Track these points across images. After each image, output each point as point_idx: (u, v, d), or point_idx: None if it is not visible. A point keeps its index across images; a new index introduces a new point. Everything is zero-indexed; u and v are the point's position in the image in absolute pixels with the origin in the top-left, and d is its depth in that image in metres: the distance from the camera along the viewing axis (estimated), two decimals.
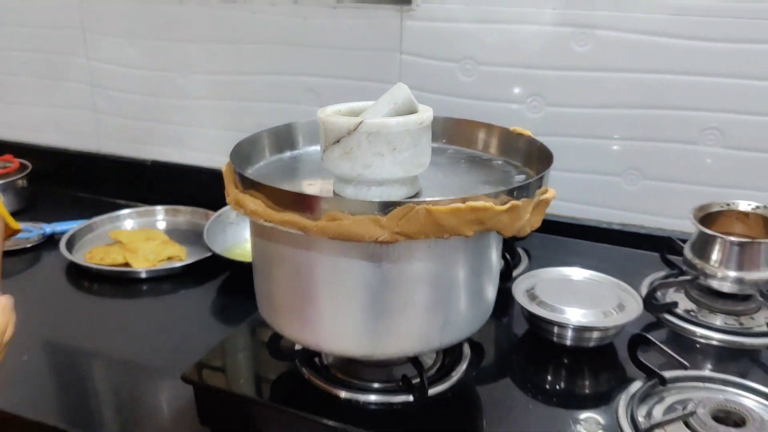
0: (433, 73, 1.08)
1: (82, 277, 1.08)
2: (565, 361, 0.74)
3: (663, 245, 0.94)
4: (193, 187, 1.30)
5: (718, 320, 0.80)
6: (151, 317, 0.96)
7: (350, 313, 0.58)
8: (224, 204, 1.07)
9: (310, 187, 0.64)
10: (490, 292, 0.65)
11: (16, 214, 1.27)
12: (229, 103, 1.23)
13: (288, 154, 0.73)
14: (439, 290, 0.59)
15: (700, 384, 0.69)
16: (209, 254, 1.06)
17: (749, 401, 0.66)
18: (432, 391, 0.66)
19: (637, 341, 0.69)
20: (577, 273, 0.81)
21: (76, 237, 1.16)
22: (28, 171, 1.33)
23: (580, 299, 0.75)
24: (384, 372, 0.68)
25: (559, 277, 0.80)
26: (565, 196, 1.07)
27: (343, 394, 0.66)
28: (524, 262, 0.95)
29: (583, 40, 0.98)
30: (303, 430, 0.64)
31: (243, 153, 0.66)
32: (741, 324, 0.80)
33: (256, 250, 0.64)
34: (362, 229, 0.52)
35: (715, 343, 0.78)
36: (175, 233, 1.20)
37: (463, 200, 0.53)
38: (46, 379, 0.81)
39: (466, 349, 0.73)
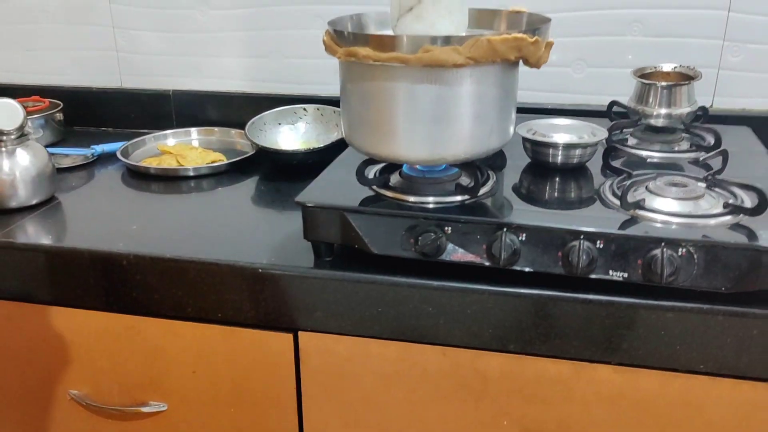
0: None
1: (139, 180, 1.28)
2: (558, 177, 1.04)
3: (609, 107, 1.25)
4: (213, 111, 1.52)
5: (656, 147, 1.12)
6: (211, 208, 1.16)
7: (428, 126, 0.86)
8: (242, 123, 1.31)
9: None
10: (513, 114, 0.94)
11: (58, 144, 1.46)
12: (243, 33, 1.45)
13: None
14: (487, 105, 0.87)
15: (655, 173, 1.00)
16: (249, 154, 1.30)
17: (689, 178, 0.98)
18: (481, 192, 0.94)
19: (609, 150, 1.00)
20: (559, 120, 1.11)
21: (127, 151, 1.36)
22: (61, 107, 1.50)
23: (564, 132, 1.06)
24: (440, 187, 0.96)
25: (548, 123, 1.10)
26: (526, 85, 1.37)
27: (412, 198, 0.93)
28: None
29: None
30: (394, 225, 0.90)
31: (336, 25, 0.91)
32: (672, 149, 1.12)
33: (355, 92, 0.89)
34: (447, 56, 0.79)
35: (656, 159, 1.10)
36: (209, 149, 1.42)
37: (509, 32, 0.81)
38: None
39: (492, 174, 1.01)
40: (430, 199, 0.93)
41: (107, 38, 1.52)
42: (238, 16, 1.44)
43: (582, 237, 0.85)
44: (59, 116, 1.48)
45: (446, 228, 0.88)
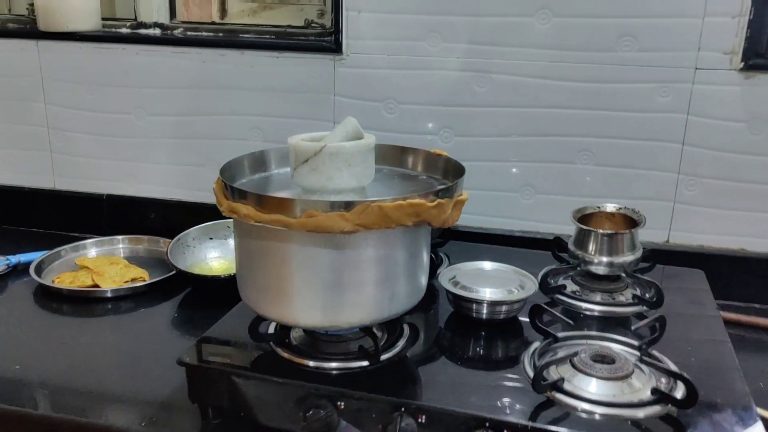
0: (361, 110, 1.28)
1: (51, 299, 1.20)
2: (482, 333, 0.94)
3: (553, 244, 1.17)
4: (147, 218, 1.44)
5: (597, 297, 1.03)
6: (120, 333, 1.09)
7: (319, 291, 0.77)
8: (176, 231, 1.24)
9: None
10: (423, 276, 0.85)
11: None
12: (180, 141, 1.39)
13: (259, 175, 0.91)
14: (386, 270, 0.78)
15: (583, 341, 0.90)
16: (171, 273, 1.21)
17: (618, 348, 0.88)
18: (382, 357, 0.84)
19: (536, 310, 0.90)
20: (487, 265, 1.02)
21: (43, 264, 1.28)
22: None
23: (491, 283, 0.96)
24: (343, 346, 0.86)
25: (474, 269, 1.01)
26: (475, 210, 1.29)
27: (312, 363, 0.83)
28: (445, 264, 1.16)
29: (482, 83, 1.22)
30: (282, 394, 0.81)
31: (228, 172, 0.84)
32: (613, 299, 1.03)
33: (242, 249, 0.81)
34: (332, 223, 0.71)
35: (595, 313, 1.00)
36: (135, 260, 1.34)
37: (404, 198, 0.73)
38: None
39: (406, 328, 0.92)
40: (333, 365, 0.83)
41: (41, 138, 1.46)
42: (175, 122, 1.38)
43: (487, 425, 0.74)
44: None
45: (339, 403, 0.79)
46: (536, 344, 0.89)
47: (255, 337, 0.86)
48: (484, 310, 0.94)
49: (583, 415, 0.76)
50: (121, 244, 1.38)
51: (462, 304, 0.95)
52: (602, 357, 0.84)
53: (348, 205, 0.72)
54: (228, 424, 0.85)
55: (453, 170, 0.88)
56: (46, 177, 1.49)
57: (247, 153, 0.89)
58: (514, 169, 1.26)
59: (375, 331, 0.86)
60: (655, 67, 1.16)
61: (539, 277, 1.03)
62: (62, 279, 1.23)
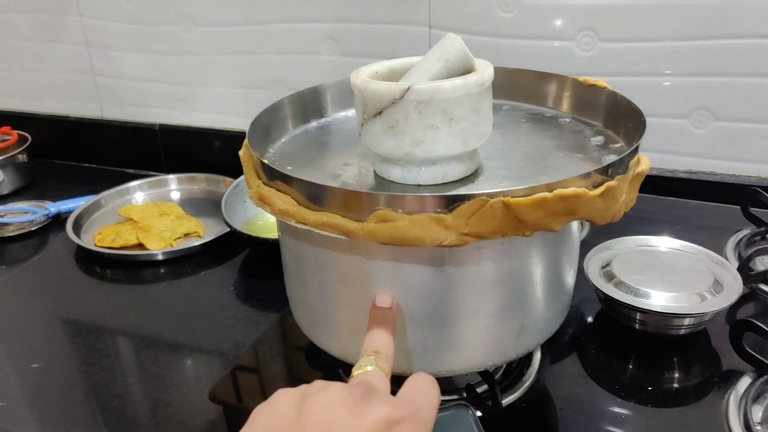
0: (466, 9, 0.94)
1: (93, 262, 0.98)
2: (651, 351, 0.64)
3: (744, 197, 0.82)
4: (206, 152, 1.19)
5: None
6: (171, 304, 0.86)
7: (407, 326, 0.48)
8: (241, 169, 0.97)
9: (347, 168, 0.53)
10: (570, 280, 0.55)
11: (18, 193, 1.19)
12: (238, 57, 1.10)
13: (314, 123, 0.62)
14: (513, 293, 0.48)
15: None
16: (229, 230, 0.96)
17: None
18: (504, 401, 0.56)
19: (742, 327, 0.58)
20: (661, 242, 0.69)
21: (84, 216, 1.06)
22: (27, 144, 1.22)
23: (667, 278, 0.64)
24: (444, 381, 0.58)
25: (640, 249, 0.69)
26: None
27: None
28: (586, 225, 0.83)
29: None
30: None
31: (262, 129, 0.54)
32: None
33: (287, 251, 0.53)
34: (422, 232, 0.41)
35: None
36: (190, 204, 1.10)
37: (549, 188, 0.41)
38: (72, 388, 0.72)
39: (534, 357, 0.63)
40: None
41: (81, 58, 1.22)
42: (229, 34, 1.09)
43: None
44: (22, 157, 1.20)
45: None
46: (745, 381, 0.57)
47: (316, 363, 0.59)
48: (655, 323, 0.62)
49: None
50: (173, 185, 1.14)
51: (622, 311, 0.64)
52: None
53: (450, 203, 0.41)
54: None
55: (622, 113, 0.55)
56: (91, 104, 1.26)
57: (293, 93, 0.59)
58: (681, 85, 0.89)
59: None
60: None
61: (731, 253, 0.70)
62: (103, 236, 1.01)
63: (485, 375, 0.54)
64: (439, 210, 0.41)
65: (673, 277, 0.64)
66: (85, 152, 1.28)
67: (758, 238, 0.77)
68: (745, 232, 0.79)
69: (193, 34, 1.12)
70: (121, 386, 0.69)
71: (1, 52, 1.28)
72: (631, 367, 0.62)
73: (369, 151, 0.51)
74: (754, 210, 0.80)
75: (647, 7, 0.86)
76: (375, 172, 0.52)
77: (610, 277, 0.65)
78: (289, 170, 0.52)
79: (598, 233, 0.79)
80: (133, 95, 1.22)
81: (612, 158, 0.48)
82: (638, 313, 0.62)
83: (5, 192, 1.18)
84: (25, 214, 1.08)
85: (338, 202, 0.43)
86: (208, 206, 1.09)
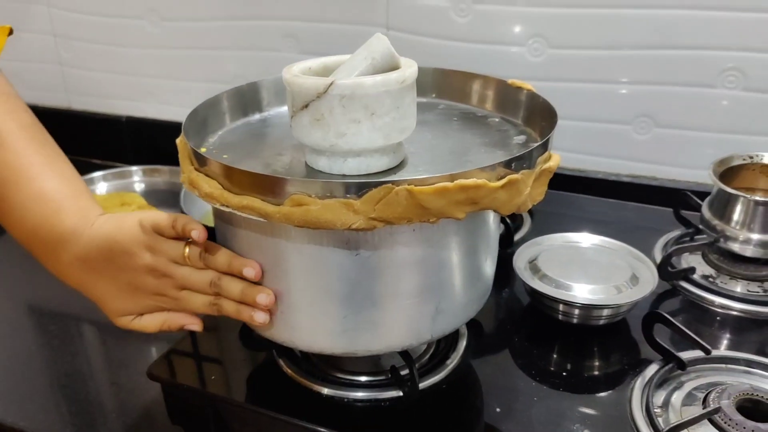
0: (423, 13, 0.97)
1: None
2: (572, 340, 0.67)
3: (677, 200, 0.86)
4: (171, 144, 1.20)
5: (740, 287, 0.73)
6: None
7: (326, 307, 0.51)
8: None
9: (280, 158, 0.56)
10: (489, 269, 0.58)
11: None
12: (203, 52, 1.13)
13: (256, 116, 0.64)
14: (427, 277, 0.51)
15: (722, 365, 0.62)
16: None
17: None
18: (425, 384, 0.59)
19: (653, 319, 0.62)
20: (585, 239, 0.73)
21: None
22: None
23: (588, 272, 0.68)
24: (370, 362, 0.61)
25: (565, 245, 0.72)
26: (570, 146, 0.98)
27: (326, 390, 0.59)
28: (527, 223, 0.87)
29: None
30: (282, 431, 0.58)
31: (200, 120, 0.57)
32: (765, 291, 0.72)
33: (219, 233, 0.56)
34: (333, 215, 0.44)
35: (735, 313, 0.70)
36: (153, 195, 1.13)
37: (452, 177, 0.44)
38: (21, 365, 0.74)
39: (463, 329, 0.66)
40: (358, 394, 0.59)
41: (49, 48, 1.23)
42: (194, 30, 1.12)
43: None
44: None
45: None
46: (652, 368, 0.61)
47: (249, 343, 0.62)
48: (576, 314, 0.66)
49: None
50: (137, 177, 1.16)
51: (545, 303, 0.67)
52: (754, 404, 0.56)
53: (358, 189, 0.44)
54: None
55: (540, 113, 0.58)
56: (59, 94, 1.28)
57: (231, 89, 0.61)
58: (625, 92, 0.93)
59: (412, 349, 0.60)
60: None
61: (659, 253, 0.74)
62: None
63: (405, 356, 0.57)
64: (348, 196, 0.44)
65: (593, 271, 0.67)
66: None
67: (686, 238, 0.81)
68: (676, 233, 0.83)
69: (159, 28, 1.14)
70: (69, 366, 0.72)
71: None
72: (551, 355, 0.65)
73: (298, 145, 0.54)
74: (684, 213, 0.84)
75: (594, 17, 0.90)
76: (306, 163, 0.54)
77: (536, 270, 0.68)
78: (224, 158, 0.55)
79: (536, 231, 0.83)
80: (100, 87, 1.24)
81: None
82: (560, 305, 0.65)
83: None
84: None
85: (257, 186, 0.46)
86: (170, 198, 1.11)
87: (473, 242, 0.53)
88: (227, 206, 0.47)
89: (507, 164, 0.47)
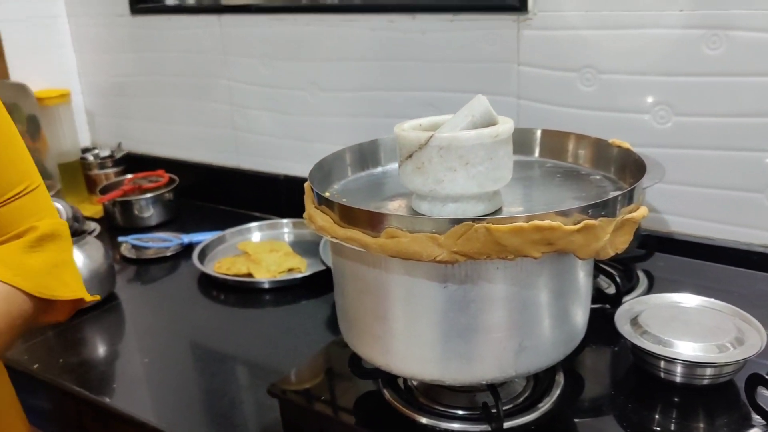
0: (552, 83, 1.03)
1: (210, 285, 1.15)
2: (675, 399, 0.67)
3: None
4: None
5: None
6: (270, 326, 1.00)
7: (417, 334, 0.57)
8: None
9: (389, 204, 0.63)
10: (579, 317, 0.61)
11: (162, 226, 1.39)
12: (352, 119, 1.26)
13: (379, 169, 0.73)
14: (510, 313, 0.55)
15: None
16: (325, 267, 1.09)
17: None
18: (514, 422, 0.62)
19: (756, 382, 0.61)
20: (689, 300, 0.73)
21: (209, 247, 1.24)
22: (175, 185, 1.44)
23: (691, 330, 0.67)
24: (467, 398, 0.66)
25: (670, 304, 0.72)
26: (700, 214, 0.97)
27: (424, 420, 0.64)
28: (643, 286, 0.87)
29: (715, 43, 0.89)
30: None
31: (326, 170, 0.67)
32: None
33: (334, 267, 0.64)
34: (420, 248, 0.51)
35: None
36: (299, 245, 1.25)
37: (528, 219, 0.49)
38: (171, 380, 0.87)
39: (560, 378, 0.68)
40: (454, 426, 0.63)
41: (225, 116, 1.43)
42: (346, 99, 1.25)
43: None
44: (169, 195, 1.42)
45: None
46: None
47: (358, 371, 0.69)
48: (678, 372, 0.66)
49: None
50: (286, 228, 1.30)
51: (645, 359, 0.68)
52: None
53: (443, 225, 0.50)
54: None
55: (631, 167, 0.61)
56: (230, 155, 1.46)
57: (354, 144, 0.71)
58: (756, 159, 0.91)
59: (508, 385, 0.64)
60: None
61: None
62: (221, 264, 1.18)
63: (493, 391, 0.60)
64: (434, 231, 0.51)
65: (697, 330, 0.67)
66: (220, 195, 1.48)
67: None
68: None
69: (317, 98, 1.29)
70: (209, 382, 0.83)
71: (165, 109, 1.53)
72: (652, 414, 0.65)
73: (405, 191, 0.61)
74: None
75: (719, 84, 0.90)
76: (411, 207, 0.62)
77: (637, 326, 0.69)
78: (341, 200, 0.64)
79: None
80: (264, 148, 1.41)
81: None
82: (662, 362, 0.66)
83: (153, 223, 1.40)
84: (163, 241, 1.28)
85: (359, 220, 0.54)
86: (314, 248, 1.22)
87: (558, 286, 0.57)
88: (335, 237, 0.55)
89: (584, 210, 0.51)
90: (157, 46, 1.47)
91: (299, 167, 1.37)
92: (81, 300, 0.68)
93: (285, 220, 1.30)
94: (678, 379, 0.66)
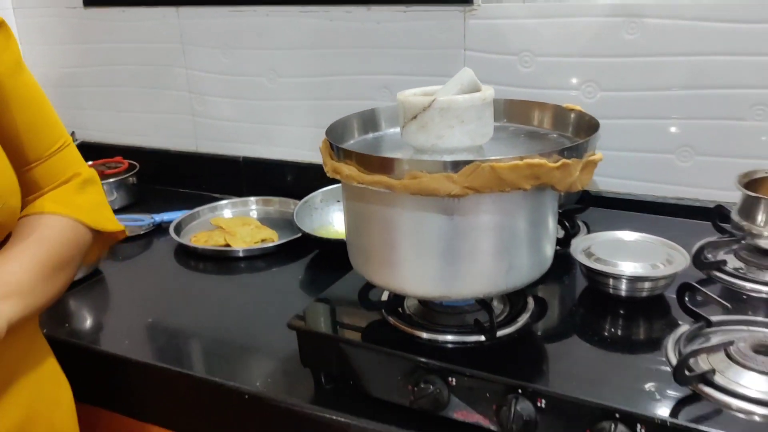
0: (494, 66, 1.18)
1: (188, 257, 1.24)
2: (620, 311, 0.83)
3: (714, 213, 1.01)
4: (280, 180, 1.45)
5: (766, 276, 0.87)
6: (249, 291, 1.11)
7: (428, 260, 0.70)
8: (309, 192, 1.24)
9: (394, 154, 0.76)
10: (548, 247, 0.76)
11: (128, 208, 1.46)
12: (311, 102, 1.37)
13: (371, 135, 0.86)
14: (502, 239, 0.70)
15: (744, 327, 0.76)
16: (299, 235, 1.20)
17: None
18: (501, 332, 0.77)
19: (685, 289, 0.78)
20: (628, 235, 0.90)
21: (182, 224, 1.32)
22: (136, 170, 1.50)
23: (632, 255, 0.84)
24: (458, 318, 0.79)
25: (613, 239, 0.89)
26: (623, 174, 1.16)
27: (425, 335, 0.77)
28: (583, 232, 1.04)
29: (632, 29, 1.07)
30: (390, 366, 0.76)
31: (336, 132, 0.79)
32: None
33: (349, 212, 0.76)
34: (438, 185, 0.64)
35: (762, 295, 0.85)
36: (266, 221, 1.35)
37: (521, 158, 0.64)
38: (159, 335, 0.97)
39: (531, 302, 0.83)
40: (447, 338, 0.76)
41: (184, 103, 1.51)
42: (304, 84, 1.36)
43: (617, 416, 0.65)
44: (132, 180, 1.48)
45: (450, 379, 0.72)
46: (684, 328, 0.76)
47: (366, 304, 0.81)
48: (623, 287, 0.82)
49: (738, 415, 0.64)
50: (253, 206, 1.40)
51: (597, 279, 0.84)
52: (767, 347, 0.70)
53: (456, 166, 0.64)
54: (340, 390, 0.81)
55: (586, 126, 0.77)
56: (189, 140, 1.54)
57: (356, 112, 0.83)
58: (672, 128, 1.11)
59: (494, 303, 0.78)
60: None
61: (693, 250, 0.89)
62: (198, 238, 1.27)
63: (487, 308, 0.75)
64: (449, 170, 0.64)
65: (636, 255, 0.84)
66: (181, 179, 1.56)
67: (720, 240, 0.96)
68: (713, 238, 0.98)
69: (276, 84, 1.39)
70: (209, 332, 0.94)
71: (120, 98, 1.58)
72: (602, 322, 0.82)
73: (408, 148, 0.74)
74: (721, 224, 0.99)
75: (638, 64, 1.09)
76: None
77: (589, 255, 0.86)
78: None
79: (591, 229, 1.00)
80: (223, 133, 1.49)
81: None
82: (610, 279, 0.82)
83: (116, 207, 1.45)
84: (136, 221, 1.35)
85: (384, 167, 0.66)
86: (280, 222, 1.34)
87: (535, 218, 0.72)
88: (362, 183, 0.68)
89: (561, 152, 0.66)
90: (111, 38, 1.53)
91: (259, 149, 1.47)
92: (121, 233, 0.82)
93: (253, 198, 1.40)
94: (623, 293, 0.83)
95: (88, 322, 1.05)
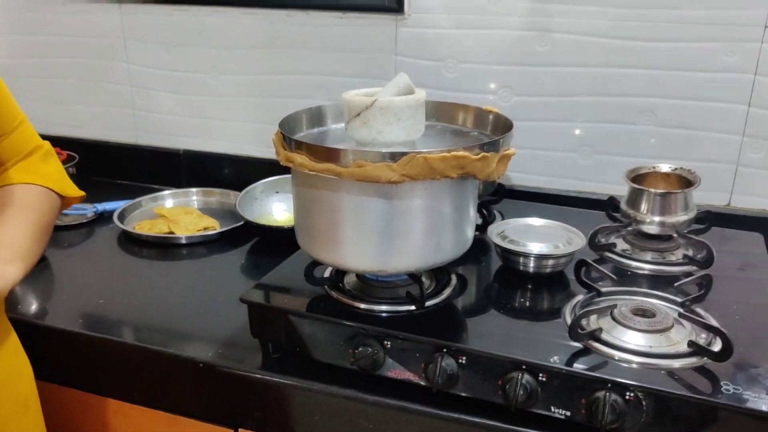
0: (422, 70, 1.31)
1: (132, 244, 1.30)
2: (528, 285, 0.97)
3: (607, 204, 1.18)
4: (219, 172, 1.53)
5: (647, 256, 1.04)
6: (193, 276, 1.19)
7: (369, 238, 0.82)
8: (247, 185, 1.32)
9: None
10: (469, 229, 0.89)
11: None
12: (251, 99, 1.46)
13: (317, 129, 0.97)
14: (432, 220, 0.82)
15: (628, 296, 0.92)
16: (241, 223, 1.29)
17: (660, 304, 0.89)
18: (428, 303, 0.89)
19: (581, 265, 0.93)
20: (536, 221, 1.05)
21: (125, 213, 1.38)
22: (75, 161, 1.54)
23: (538, 237, 0.99)
24: (392, 291, 0.91)
25: (523, 224, 1.04)
26: (532, 169, 1.31)
27: (363, 305, 0.89)
28: (498, 220, 1.18)
29: (543, 42, 1.22)
30: (333, 333, 0.87)
31: (288, 126, 0.89)
32: (663, 258, 1.03)
33: (298, 196, 0.87)
34: (380, 172, 0.75)
35: (644, 272, 1.01)
36: (207, 210, 1.43)
37: (449, 151, 0.76)
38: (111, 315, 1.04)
39: (454, 278, 0.96)
40: (382, 308, 0.88)
41: (125, 96, 1.56)
42: (245, 82, 1.45)
43: (523, 368, 0.78)
44: (72, 170, 1.52)
45: (386, 342, 0.84)
46: (579, 297, 0.91)
47: (311, 280, 0.92)
48: (531, 264, 0.96)
49: (621, 364, 0.78)
50: (195, 196, 1.48)
51: (509, 257, 0.98)
52: (643, 311, 0.86)
53: (394, 156, 0.76)
54: (286, 358, 0.92)
55: (502, 126, 0.91)
56: (129, 133, 1.59)
57: (305, 108, 0.94)
58: (576, 130, 1.26)
59: (423, 278, 0.90)
60: (722, 25, 1.13)
61: (589, 234, 1.05)
62: (142, 226, 1.34)
63: (418, 281, 0.87)
64: (389, 160, 0.76)
65: (542, 238, 0.99)
66: (120, 171, 1.61)
67: (611, 226, 1.12)
68: (607, 224, 1.14)
69: (217, 81, 1.47)
70: (158, 312, 1.02)
71: (57, 89, 1.62)
72: (513, 293, 0.95)
73: (351, 141, 0.86)
74: (614, 214, 1.16)
75: (548, 73, 1.24)
76: None
77: (504, 237, 1.00)
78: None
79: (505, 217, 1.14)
80: (164, 126, 1.56)
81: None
82: (521, 257, 0.96)
83: None
84: (77, 210, 1.40)
85: (332, 157, 0.77)
86: (220, 212, 1.42)
87: (459, 203, 0.85)
88: (313, 170, 0.78)
89: (481, 147, 0.79)
90: (49, 29, 1.56)
91: (199, 142, 1.54)
92: (81, 197, 0.93)
93: (194, 189, 1.48)
94: (531, 270, 0.97)
95: (40, 305, 1.10)
